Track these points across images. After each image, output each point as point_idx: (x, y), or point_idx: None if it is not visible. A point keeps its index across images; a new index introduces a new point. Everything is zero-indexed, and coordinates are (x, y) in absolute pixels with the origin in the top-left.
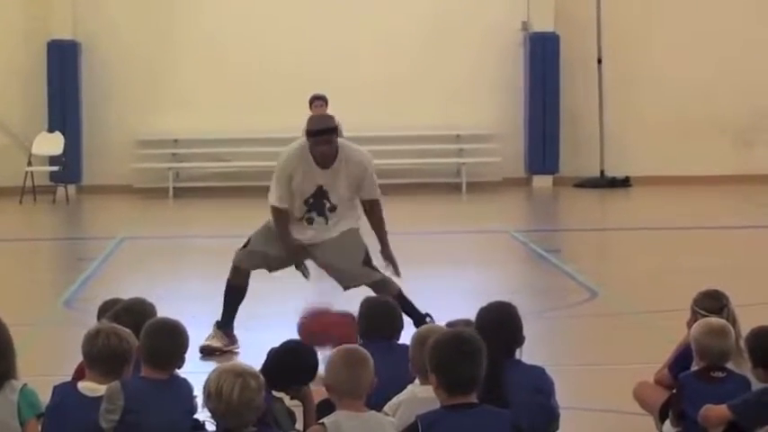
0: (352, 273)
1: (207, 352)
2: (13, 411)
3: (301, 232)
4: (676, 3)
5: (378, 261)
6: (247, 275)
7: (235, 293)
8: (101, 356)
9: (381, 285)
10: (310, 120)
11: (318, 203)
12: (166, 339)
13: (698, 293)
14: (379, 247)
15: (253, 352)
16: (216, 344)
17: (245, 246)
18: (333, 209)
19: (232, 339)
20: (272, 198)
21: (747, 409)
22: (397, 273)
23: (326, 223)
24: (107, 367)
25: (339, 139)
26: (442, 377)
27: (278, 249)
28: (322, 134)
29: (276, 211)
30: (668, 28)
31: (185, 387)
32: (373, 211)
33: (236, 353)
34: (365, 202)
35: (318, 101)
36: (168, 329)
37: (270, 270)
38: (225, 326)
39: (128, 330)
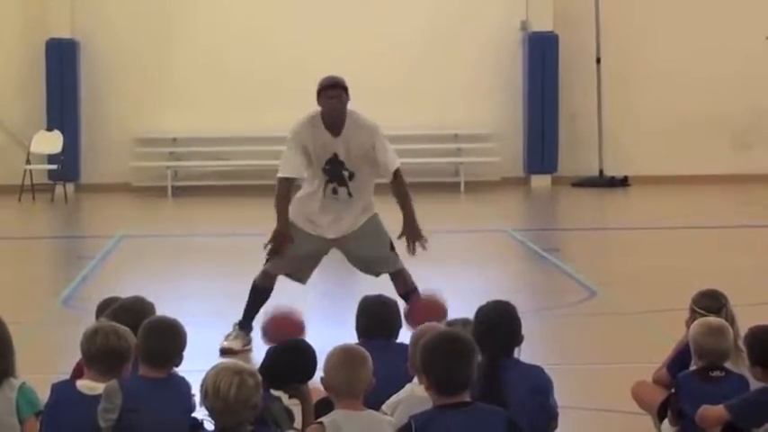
0: (382, 258)
1: (227, 353)
2: (12, 409)
3: (325, 212)
4: (675, 3)
5: (400, 245)
6: (275, 278)
7: (261, 294)
8: (99, 355)
9: (402, 275)
10: (321, 80)
11: (337, 171)
12: (164, 338)
13: (697, 293)
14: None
15: (252, 350)
16: (237, 346)
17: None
18: (351, 176)
19: (249, 339)
20: (286, 169)
21: (745, 409)
22: (423, 246)
23: (349, 195)
24: (106, 366)
25: (348, 109)
26: (432, 378)
27: (306, 249)
28: (333, 88)
29: (283, 184)
30: (667, 28)
31: (183, 386)
32: (395, 183)
33: (249, 350)
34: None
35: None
36: (166, 328)
37: (299, 277)
38: (246, 326)
39: (126, 329)
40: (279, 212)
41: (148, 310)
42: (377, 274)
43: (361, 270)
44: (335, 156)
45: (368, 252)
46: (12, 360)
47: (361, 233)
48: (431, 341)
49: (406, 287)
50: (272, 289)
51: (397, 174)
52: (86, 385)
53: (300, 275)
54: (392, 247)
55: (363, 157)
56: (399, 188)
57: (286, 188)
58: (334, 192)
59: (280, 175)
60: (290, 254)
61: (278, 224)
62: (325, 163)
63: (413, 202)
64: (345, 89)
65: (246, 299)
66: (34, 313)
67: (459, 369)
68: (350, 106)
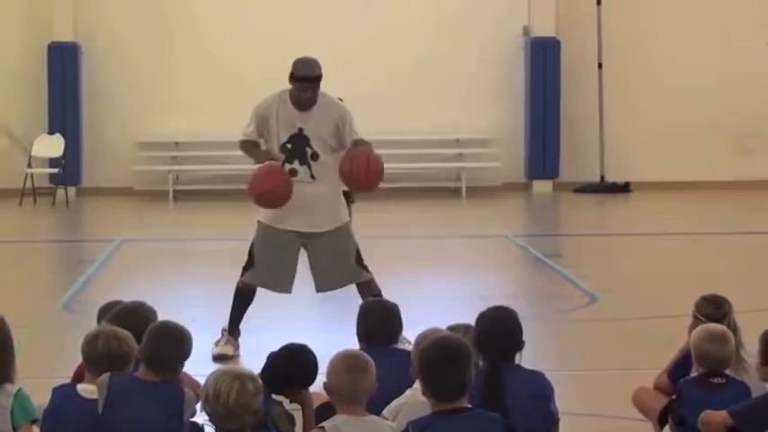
0: (341, 273)
1: (221, 359)
2: (6, 416)
3: (294, 202)
4: (677, 9)
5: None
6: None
7: (244, 299)
8: (100, 359)
9: (366, 287)
10: (296, 63)
11: (299, 149)
12: (170, 343)
13: (700, 298)
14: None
15: (252, 355)
16: (229, 351)
17: (249, 263)
18: (315, 156)
19: (237, 344)
20: (243, 133)
21: (748, 414)
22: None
23: (312, 177)
24: (106, 370)
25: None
26: (429, 384)
27: (278, 250)
28: (307, 81)
29: (244, 143)
30: (669, 34)
31: (176, 394)
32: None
33: (238, 355)
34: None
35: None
36: (174, 334)
37: (281, 286)
38: (234, 331)
39: (128, 333)
40: (259, 156)
41: (150, 314)
42: (318, 290)
43: (316, 279)
44: (300, 130)
45: (329, 263)
46: (10, 366)
47: (331, 243)
48: (426, 347)
49: (371, 293)
50: (255, 292)
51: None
52: (87, 389)
53: (281, 284)
54: (359, 261)
55: (330, 134)
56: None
57: (246, 142)
58: (294, 173)
59: (241, 138)
60: (265, 261)
61: (268, 156)
62: (288, 139)
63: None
64: (319, 78)
65: (231, 304)
66: (36, 317)
67: (454, 375)
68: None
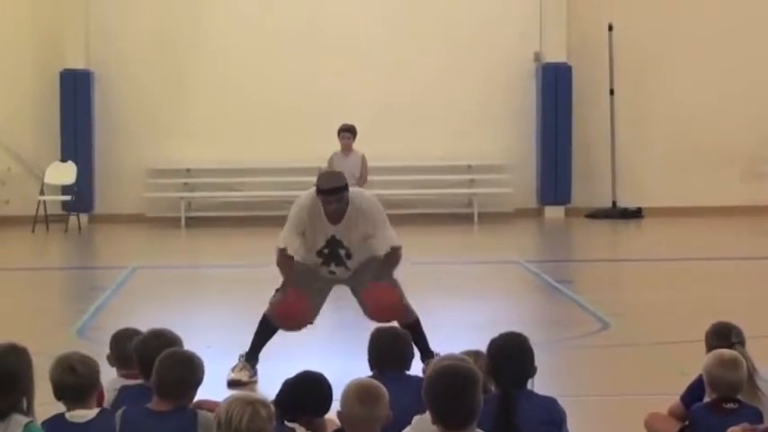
0: (378, 274)
1: (235, 385)
2: None
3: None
4: (688, 35)
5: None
6: None
7: (269, 328)
8: (65, 387)
9: (404, 311)
10: (320, 177)
11: (334, 253)
12: (178, 372)
13: (710, 328)
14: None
15: (267, 382)
16: (244, 377)
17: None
18: (349, 255)
19: (255, 371)
20: (283, 241)
21: None
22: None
23: (347, 269)
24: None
25: (351, 190)
26: (436, 412)
27: (313, 282)
28: (331, 194)
29: (283, 254)
30: (680, 59)
31: (187, 421)
32: (389, 255)
33: (255, 381)
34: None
35: (345, 133)
36: (183, 361)
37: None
38: (252, 358)
39: (89, 358)
40: (285, 276)
41: (177, 340)
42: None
43: (363, 289)
44: (333, 237)
45: (365, 274)
46: (22, 396)
47: (358, 267)
48: (432, 375)
49: (407, 320)
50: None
51: (389, 253)
52: (76, 414)
53: (310, 316)
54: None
55: (362, 239)
56: (391, 259)
57: (286, 257)
58: (332, 273)
59: (280, 245)
60: (299, 287)
61: (287, 283)
62: (324, 244)
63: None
64: (344, 189)
65: (255, 331)
66: (49, 344)
67: (460, 403)
68: (356, 146)
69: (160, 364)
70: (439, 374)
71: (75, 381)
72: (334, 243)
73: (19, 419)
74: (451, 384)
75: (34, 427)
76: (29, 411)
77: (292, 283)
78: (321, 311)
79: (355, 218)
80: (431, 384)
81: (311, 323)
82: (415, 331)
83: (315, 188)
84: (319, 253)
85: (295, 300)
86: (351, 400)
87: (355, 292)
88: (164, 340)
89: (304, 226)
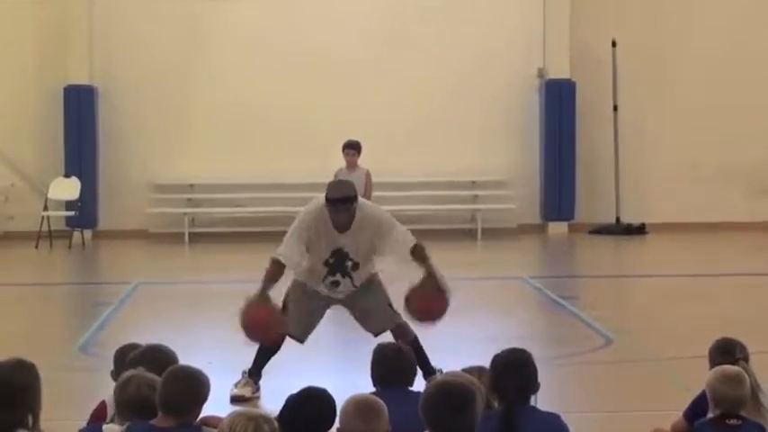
0: (382, 316)
1: (238, 400)
2: None
3: (333, 292)
4: (691, 51)
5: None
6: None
7: (271, 347)
8: (130, 403)
9: (402, 330)
10: (329, 187)
11: (340, 264)
12: (183, 387)
13: (714, 343)
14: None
15: (271, 398)
16: (246, 393)
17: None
18: (356, 267)
19: (257, 387)
20: (280, 250)
21: None
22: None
23: (353, 284)
24: (136, 414)
25: (359, 200)
26: (433, 428)
27: (311, 305)
28: (340, 203)
29: (275, 266)
30: (683, 75)
31: None
32: (416, 257)
33: (257, 397)
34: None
35: (350, 149)
36: (187, 377)
37: (300, 336)
38: (255, 374)
39: (158, 379)
40: (262, 287)
41: (173, 357)
42: (376, 334)
43: (362, 323)
44: (340, 249)
45: (369, 303)
46: (28, 412)
47: (362, 288)
48: (429, 390)
49: (406, 339)
50: (282, 343)
51: (414, 252)
52: (112, 429)
53: (298, 332)
54: (390, 305)
55: (368, 248)
56: (421, 262)
57: (277, 271)
58: (336, 284)
59: (276, 257)
60: (297, 308)
61: (256, 293)
62: (330, 254)
63: (434, 266)
64: (353, 199)
65: (257, 348)
66: (52, 360)
67: (457, 418)
68: (363, 163)
69: (165, 380)
70: (436, 389)
71: (150, 395)
72: (340, 255)
73: None
74: (447, 400)
75: None
76: (34, 427)
77: (259, 299)
78: (324, 327)
79: (362, 225)
80: (428, 399)
81: (302, 342)
82: (413, 349)
83: (323, 197)
84: (325, 263)
85: (258, 308)
86: (349, 417)
87: (354, 312)
88: (163, 356)
89: (310, 232)
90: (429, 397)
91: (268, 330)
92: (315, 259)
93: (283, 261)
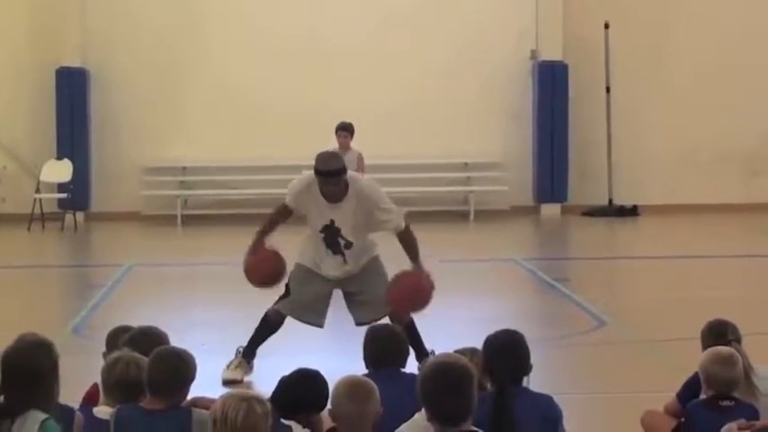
0: (378, 303)
1: (230, 384)
2: None
3: (329, 261)
4: (684, 33)
5: None
6: (285, 315)
7: (269, 327)
8: (118, 384)
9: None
10: (318, 158)
11: (332, 240)
12: (171, 368)
13: (706, 325)
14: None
15: (263, 379)
16: (239, 376)
17: (284, 295)
18: (348, 245)
19: (251, 368)
20: (291, 198)
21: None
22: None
23: (345, 262)
24: (123, 395)
25: (349, 173)
26: (431, 409)
27: (313, 288)
28: (328, 175)
29: (281, 209)
30: (677, 57)
31: (180, 419)
32: (402, 239)
33: (250, 381)
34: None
35: (342, 131)
36: (174, 358)
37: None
38: (249, 354)
39: (146, 359)
40: (259, 232)
41: (163, 338)
42: (359, 323)
43: (355, 309)
44: (332, 222)
45: (365, 288)
46: (42, 393)
47: (362, 272)
48: (426, 372)
49: (402, 321)
50: (282, 325)
51: (400, 236)
52: (102, 410)
53: (314, 318)
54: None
55: (362, 222)
56: (406, 242)
57: (281, 215)
58: (334, 253)
59: (286, 201)
60: (300, 294)
61: (252, 243)
62: (321, 229)
63: (419, 254)
64: (341, 171)
65: (255, 328)
66: None
67: (454, 400)
68: (355, 145)
69: (151, 362)
70: (433, 371)
71: (137, 376)
72: (332, 230)
73: (37, 416)
74: (446, 381)
75: (51, 424)
76: (50, 408)
77: (260, 243)
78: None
79: (355, 200)
80: (425, 381)
81: (321, 326)
82: (408, 332)
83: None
84: (319, 233)
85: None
86: (341, 398)
87: (351, 297)
88: (153, 339)
89: (303, 195)
90: (426, 377)
91: (261, 268)
92: (312, 225)
93: (291, 205)
